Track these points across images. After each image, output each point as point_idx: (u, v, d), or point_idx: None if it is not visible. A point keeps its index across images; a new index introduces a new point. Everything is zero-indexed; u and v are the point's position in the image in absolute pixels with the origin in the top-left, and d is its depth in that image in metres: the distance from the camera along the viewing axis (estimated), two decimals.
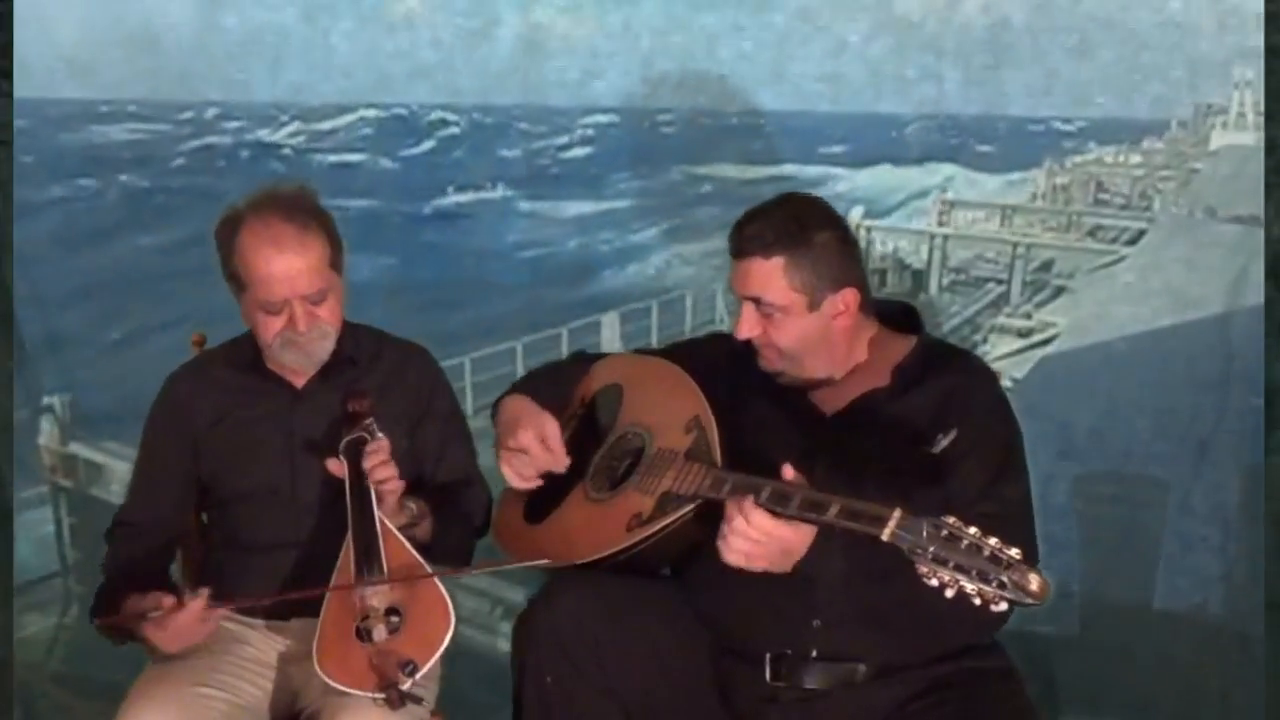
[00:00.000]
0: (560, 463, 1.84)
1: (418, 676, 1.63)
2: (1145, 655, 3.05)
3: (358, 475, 1.78)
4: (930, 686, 1.69)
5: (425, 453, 1.98)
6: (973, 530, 1.38)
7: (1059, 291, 4.13)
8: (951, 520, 1.40)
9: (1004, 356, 3.86)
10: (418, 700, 1.64)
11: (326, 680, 1.66)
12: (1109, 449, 3.31)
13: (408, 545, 1.76)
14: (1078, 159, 4.29)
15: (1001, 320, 4.13)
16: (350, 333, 1.94)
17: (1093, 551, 3.15)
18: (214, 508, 1.98)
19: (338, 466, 1.79)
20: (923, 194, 4.40)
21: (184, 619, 1.69)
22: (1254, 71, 3.44)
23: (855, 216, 4.08)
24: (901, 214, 4.44)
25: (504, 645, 1.91)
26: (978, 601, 1.37)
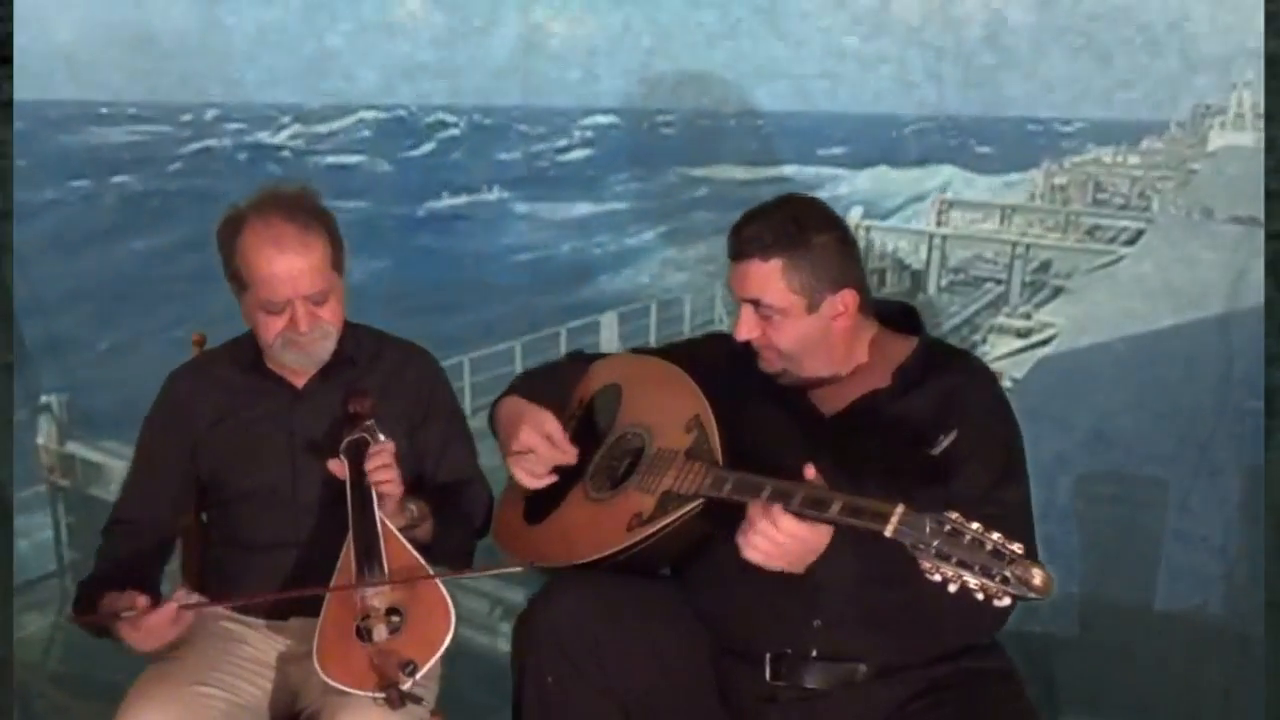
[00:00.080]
0: (568, 456, 1.84)
1: (418, 676, 1.62)
2: (1145, 655, 3.06)
3: (359, 475, 1.78)
4: (930, 686, 1.69)
5: (426, 453, 1.98)
6: (975, 525, 1.39)
7: (1058, 291, 4.14)
8: (954, 516, 1.40)
9: (1003, 356, 3.87)
10: (418, 700, 1.63)
11: (326, 680, 1.65)
12: (1109, 449, 3.31)
13: (408, 546, 1.76)
14: (1076, 159, 4.30)
15: (1000, 320, 4.14)
16: (350, 333, 1.94)
17: (1093, 552, 3.16)
18: (214, 507, 1.98)
19: (339, 467, 1.79)
20: (921, 197, 4.40)
21: (156, 619, 1.69)
22: (1252, 72, 3.45)
23: (855, 216, 4.09)
24: (901, 217, 4.45)
25: (504, 645, 1.91)
26: (980, 597, 1.37)
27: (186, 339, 2.12)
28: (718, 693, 1.77)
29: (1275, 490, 2.02)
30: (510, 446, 1.85)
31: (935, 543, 1.39)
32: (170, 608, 1.69)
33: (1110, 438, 3.31)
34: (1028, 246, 4.23)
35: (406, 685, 1.61)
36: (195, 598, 1.93)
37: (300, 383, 1.94)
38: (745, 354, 1.81)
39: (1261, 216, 2.14)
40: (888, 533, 1.42)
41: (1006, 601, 1.37)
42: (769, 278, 1.72)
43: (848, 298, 1.75)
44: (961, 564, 1.37)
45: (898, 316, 1.86)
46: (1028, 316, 4.13)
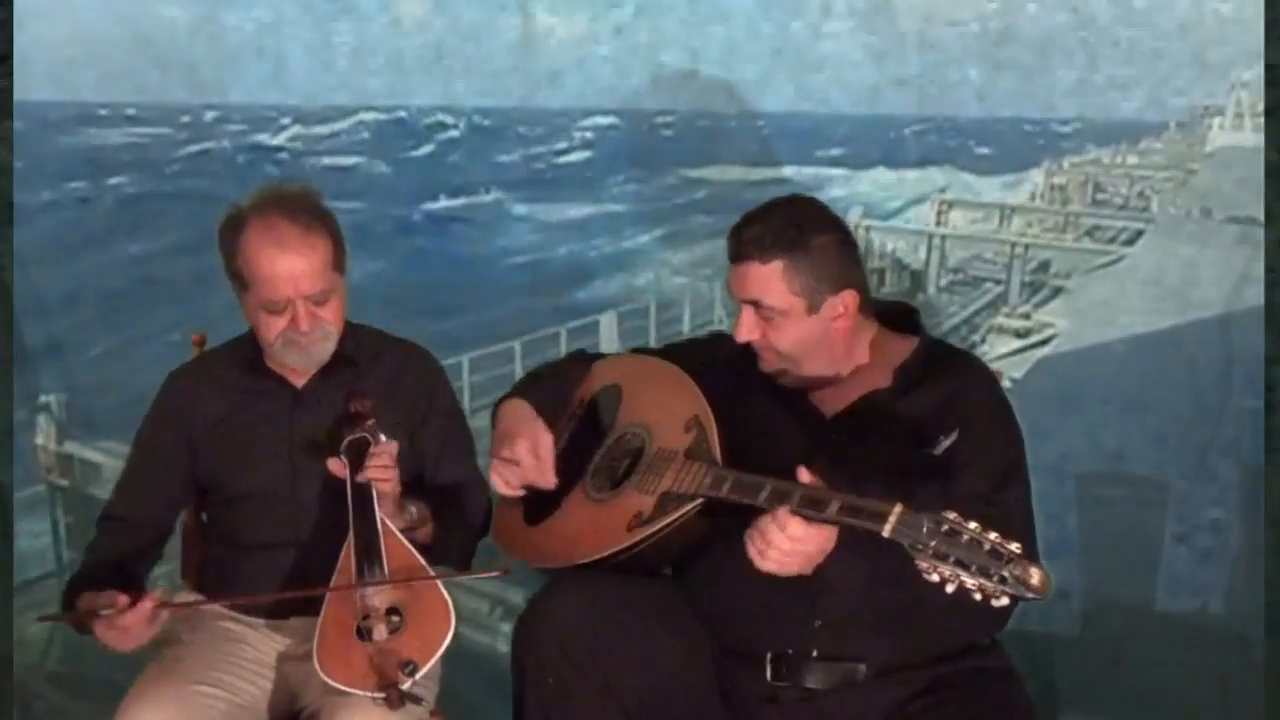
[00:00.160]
0: (548, 480, 1.83)
1: (418, 676, 1.62)
2: (1145, 655, 3.06)
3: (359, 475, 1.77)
4: (930, 686, 1.69)
5: (426, 453, 1.97)
6: (973, 525, 1.39)
7: (1057, 291, 4.15)
8: (952, 516, 1.40)
9: (1002, 357, 3.88)
10: (417, 700, 1.63)
11: (326, 680, 1.65)
12: (1109, 449, 3.32)
13: (408, 545, 1.76)
14: (1075, 160, 4.31)
15: (1000, 320, 4.15)
16: (351, 333, 1.94)
17: (1093, 552, 3.16)
18: (214, 507, 1.98)
19: (338, 466, 1.79)
20: (920, 200, 4.41)
21: (132, 618, 1.68)
22: (1251, 73, 3.46)
23: (854, 216, 4.10)
24: (900, 219, 4.46)
25: (504, 645, 1.91)
26: (978, 597, 1.37)
27: (185, 341, 2.11)
28: (718, 693, 1.77)
29: (1275, 490, 2.02)
30: (500, 451, 1.85)
31: (933, 542, 1.39)
32: (146, 607, 1.68)
33: (1110, 438, 3.32)
34: (1027, 247, 4.24)
35: (406, 685, 1.61)
36: (192, 596, 1.93)
37: (300, 383, 1.94)
38: (746, 354, 1.81)
39: (1261, 216, 2.14)
40: (886, 532, 1.42)
41: (1005, 601, 1.37)
42: (769, 279, 1.72)
43: (848, 299, 1.75)
44: (959, 564, 1.37)
45: (898, 317, 1.86)
46: (1027, 316, 4.14)
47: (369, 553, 1.71)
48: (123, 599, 1.67)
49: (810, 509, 1.51)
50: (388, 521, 1.76)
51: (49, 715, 3.38)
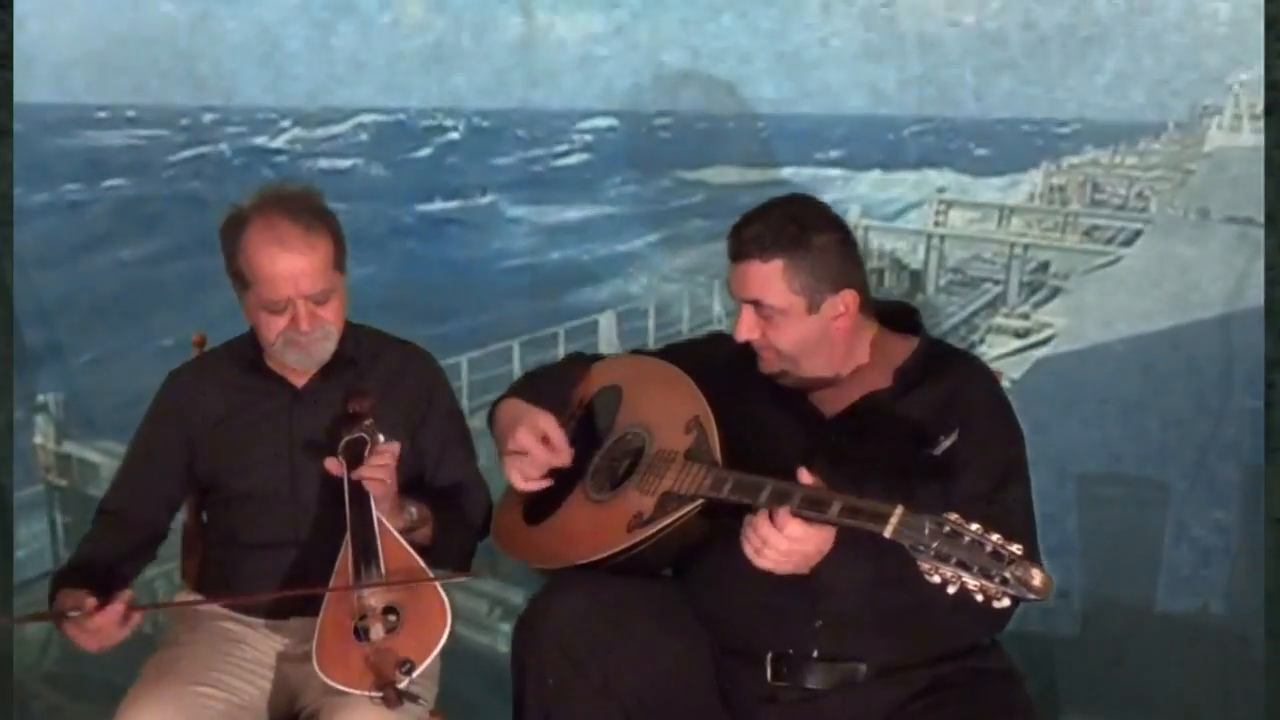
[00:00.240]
0: (564, 457, 1.83)
1: (415, 675, 1.63)
2: (1145, 655, 3.06)
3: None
4: (931, 686, 1.69)
5: (425, 454, 1.97)
6: (974, 527, 1.38)
7: (1056, 292, 4.14)
8: (954, 517, 1.40)
9: (1001, 357, 3.87)
10: (415, 699, 1.63)
11: (325, 679, 1.66)
12: (1109, 450, 3.31)
13: (406, 546, 1.76)
14: (1074, 160, 4.31)
15: (999, 320, 4.14)
16: (351, 333, 1.94)
17: (1093, 552, 3.16)
18: (213, 507, 1.98)
19: (336, 466, 1.79)
20: (919, 202, 4.41)
21: (100, 621, 1.67)
22: (1249, 74, 3.45)
23: (854, 216, 4.09)
24: (899, 220, 4.45)
25: (504, 645, 1.91)
26: (980, 598, 1.36)
27: (183, 344, 2.11)
28: (718, 693, 1.77)
29: (1275, 490, 2.03)
30: (506, 447, 1.85)
31: (935, 544, 1.39)
32: (117, 609, 1.67)
33: (1110, 438, 3.32)
34: (1026, 247, 4.23)
35: (404, 684, 1.62)
36: (191, 596, 1.92)
37: (300, 383, 1.94)
38: (745, 354, 1.81)
39: (1260, 216, 2.14)
40: (887, 534, 1.42)
41: (1006, 603, 1.37)
42: (769, 278, 1.72)
43: (848, 298, 1.75)
44: (961, 565, 1.37)
45: (898, 317, 1.86)
46: (1026, 317, 4.13)
47: (366, 553, 1.72)
48: (90, 601, 1.66)
49: (811, 510, 1.51)
50: (385, 521, 1.76)
51: (48, 715, 3.37)
